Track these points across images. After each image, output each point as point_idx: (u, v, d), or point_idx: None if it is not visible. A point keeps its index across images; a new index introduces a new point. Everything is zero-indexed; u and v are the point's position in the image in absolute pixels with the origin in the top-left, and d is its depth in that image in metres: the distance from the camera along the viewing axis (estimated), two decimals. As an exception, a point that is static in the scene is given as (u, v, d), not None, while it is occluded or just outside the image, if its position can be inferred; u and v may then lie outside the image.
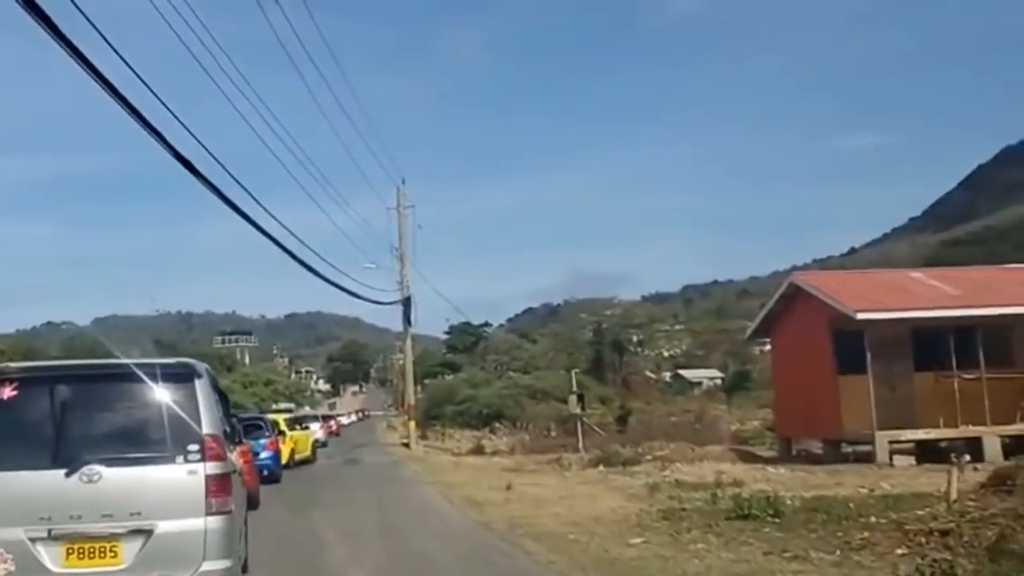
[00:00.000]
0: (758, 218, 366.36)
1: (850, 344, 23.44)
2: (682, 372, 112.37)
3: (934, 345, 23.17)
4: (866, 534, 11.04)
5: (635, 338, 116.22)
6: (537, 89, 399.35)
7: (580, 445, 34.98)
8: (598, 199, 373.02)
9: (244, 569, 8.48)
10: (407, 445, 44.55)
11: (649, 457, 25.08)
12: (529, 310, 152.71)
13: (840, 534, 11.27)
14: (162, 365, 7.42)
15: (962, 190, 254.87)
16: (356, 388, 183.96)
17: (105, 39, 9.14)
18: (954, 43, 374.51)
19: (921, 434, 22.26)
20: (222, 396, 8.60)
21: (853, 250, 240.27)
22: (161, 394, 7.15)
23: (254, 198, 15.79)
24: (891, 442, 21.96)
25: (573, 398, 37.78)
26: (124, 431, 7.22)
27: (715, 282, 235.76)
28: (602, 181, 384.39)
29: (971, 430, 22.07)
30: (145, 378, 7.17)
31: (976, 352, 22.24)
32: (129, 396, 7.25)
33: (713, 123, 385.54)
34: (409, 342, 47.83)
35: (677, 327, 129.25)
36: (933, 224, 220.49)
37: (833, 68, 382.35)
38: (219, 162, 13.49)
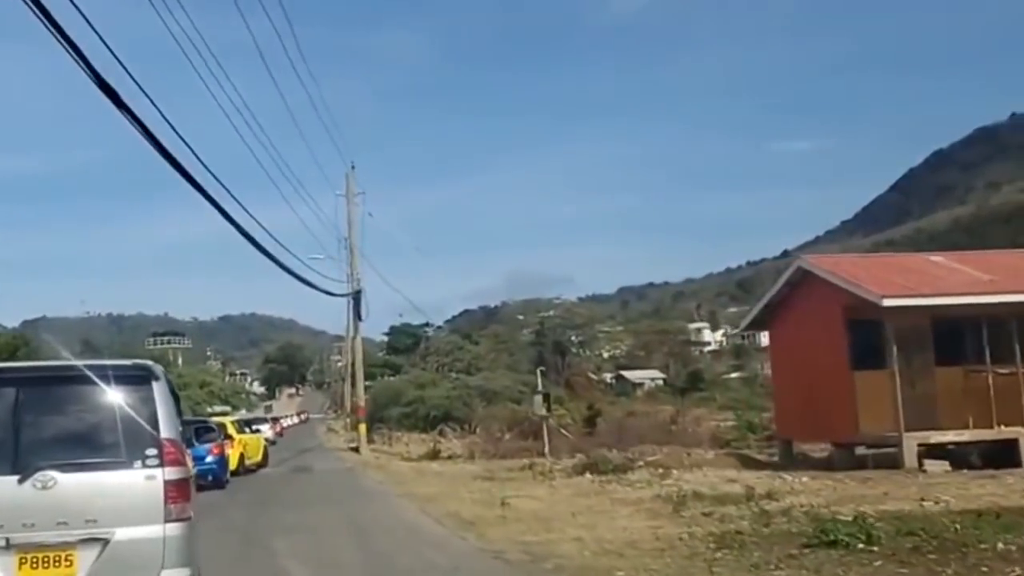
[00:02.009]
0: (693, 220, 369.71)
1: (866, 335, 21.12)
2: (624, 373, 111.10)
3: (958, 336, 20.94)
4: (1016, 571, 8.49)
5: (576, 339, 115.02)
6: (473, 90, 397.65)
7: (546, 449, 32.42)
8: (534, 201, 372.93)
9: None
10: (356, 450, 41.53)
11: (640, 463, 22.43)
12: (467, 312, 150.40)
13: (974, 567, 8.71)
14: (118, 367, 7.10)
15: (893, 193, 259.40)
16: (292, 391, 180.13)
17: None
18: (886, 50, 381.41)
19: (952, 436, 19.90)
20: (176, 398, 7.83)
21: (786, 252, 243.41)
22: (117, 397, 6.85)
23: (226, 189, 14.95)
24: (920, 445, 19.58)
25: (538, 398, 34.96)
26: (79, 435, 6.88)
27: (651, 284, 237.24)
28: (537, 183, 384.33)
29: (1006, 431, 19.80)
30: (101, 381, 6.85)
31: (1011, 344, 20.00)
32: (84, 399, 6.92)
33: (650, 125, 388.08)
34: (359, 339, 44.58)
35: (617, 328, 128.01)
36: (865, 226, 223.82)
37: (769, 73, 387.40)
38: (196, 155, 12.58)
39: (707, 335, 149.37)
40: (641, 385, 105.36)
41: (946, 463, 19.15)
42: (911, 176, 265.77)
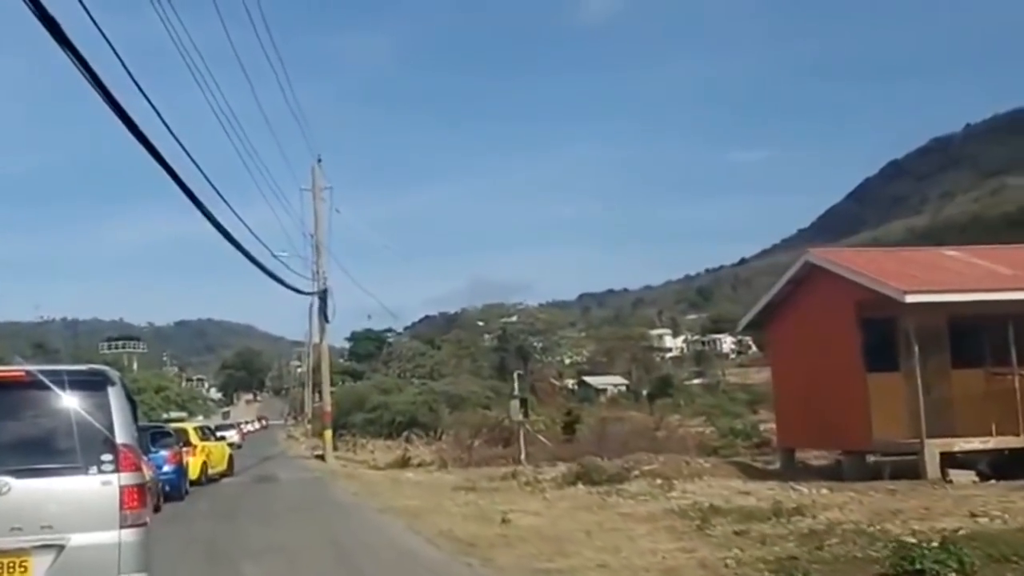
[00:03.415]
0: (652, 228, 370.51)
1: (878, 335, 19.68)
2: (587, 379, 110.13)
3: (977, 336, 19.54)
4: None
5: (538, 345, 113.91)
6: (434, 95, 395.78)
7: (523, 456, 30.79)
8: (494, 207, 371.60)
9: None
10: (322, 458, 39.50)
11: (636, 473, 20.78)
12: (428, 317, 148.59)
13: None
14: (74, 372, 7.01)
15: (849, 202, 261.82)
16: (250, 396, 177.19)
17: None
18: (843, 61, 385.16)
19: (977, 443, 18.44)
20: (132, 404, 7.67)
21: (743, 260, 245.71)
22: (73, 402, 6.77)
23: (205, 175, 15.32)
24: (943, 454, 18.11)
25: (515, 403, 33.30)
26: (33, 441, 6.82)
27: (611, 291, 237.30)
28: (497, 189, 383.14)
29: (1038, 438, 18.39)
30: (55, 386, 6.76)
31: (1034, 344, 18.62)
32: (38, 405, 6.83)
33: (611, 133, 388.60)
34: (325, 341, 42.54)
35: (580, 334, 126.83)
36: (821, 235, 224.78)
37: (728, 83, 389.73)
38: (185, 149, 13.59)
39: (668, 341, 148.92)
40: (604, 391, 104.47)
41: (972, 473, 17.68)
42: (867, 185, 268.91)
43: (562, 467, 25.33)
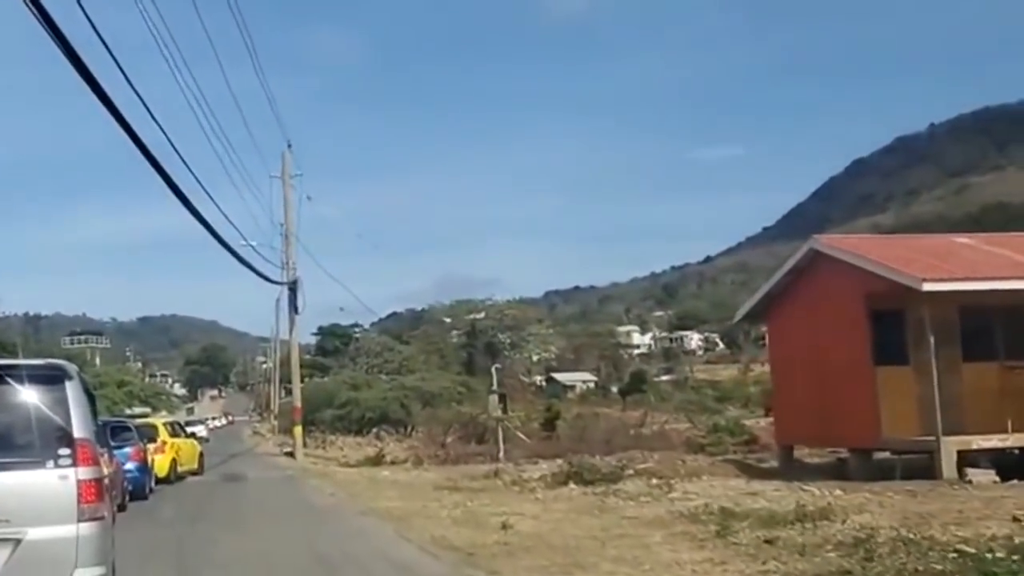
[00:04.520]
0: (618, 225, 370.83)
1: (886, 327, 18.68)
2: (555, 375, 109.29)
3: (989, 328, 18.60)
4: None
5: (507, 341, 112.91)
6: (399, 91, 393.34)
7: (501, 454, 29.65)
8: (459, 203, 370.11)
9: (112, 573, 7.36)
10: (291, 455, 38.06)
11: (631, 471, 19.64)
12: (394, 314, 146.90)
13: None
14: (31, 366, 7.01)
15: (815, 201, 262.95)
16: (215, 392, 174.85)
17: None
18: (809, 59, 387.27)
19: (996, 441, 17.45)
20: (91, 398, 7.77)
21: (709, 258, 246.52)
22: (30, 396, 6.78)
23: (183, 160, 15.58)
24: (960, 452, 17.10)
25: (494, 399, 32.17)
26: None
27: (577, 287, 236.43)
28: (463, 185, 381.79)
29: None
30: (13, 380, 6.78)
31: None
32: None
33: (576, 131, 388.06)
34: (295, 333, 41.03)
35: (549, 330, 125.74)
36: (787, 233, 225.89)
37: (692, 80, 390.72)
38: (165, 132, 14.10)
39: (636, 338, 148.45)
40: (572, 388, 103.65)
41: (993, 472, 16.68)
42: (832, 184, 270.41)
43: (544, 465, 24.26)
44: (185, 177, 17.03)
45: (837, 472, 19.76)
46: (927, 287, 16.82)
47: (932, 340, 17.33)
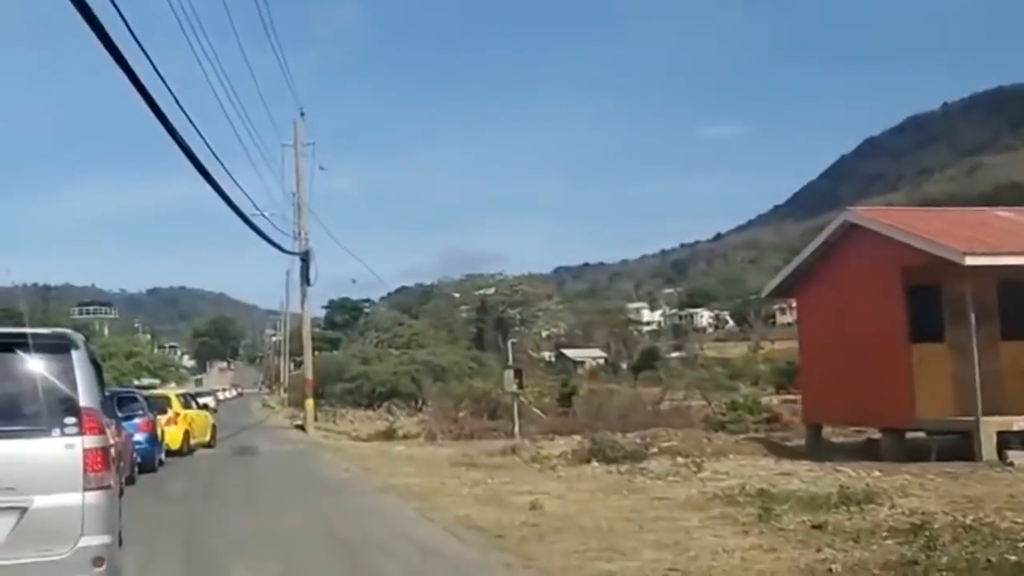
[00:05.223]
0: (628, 202, 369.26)
1: (922, 303, 17.97)
2: (565, 351, 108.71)
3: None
4: None
5: (517, 316, 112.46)
6: (410, 67, 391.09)
7: (516, 429, 29.07)
8: (468, 180, 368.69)
9: (120, 544, 7.38)
10: (302, 428, 37.67)
11: (655, 450, 19.03)
12: (403, 289, 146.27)
13: None
14: (37, 335, 6.88)
15: (825, 180, 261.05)
16: (224, 365, 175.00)
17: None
18: (820, 37, 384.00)
19: (1039, 422, 16.73)
20: (97, 368, 7.79)
21: (719, 235, 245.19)
22: (36, 365, 6.75)
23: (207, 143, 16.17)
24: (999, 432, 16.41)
25: (509, 374, 31.49)
26: None
27: (586, 264, 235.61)
28: (471, 162, 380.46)
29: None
30: (19, 349, 6.74)
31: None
32: (2, 366, 6.76)
33: (584, 109, 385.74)
34: (308, 305, 40.48)
35: (559, 306, 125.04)
36: (796, 212, 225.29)
37: (703, 57, 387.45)
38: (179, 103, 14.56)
39: (646, 315, 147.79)
40: (582, 364, 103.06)
41: (1030, 454, 15.99)
42: (843, 163, 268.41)
43: (562, 441, 23.70)
44: (199, 146, 16.94)
45: (867, 452, 19.09)
46: (969, 261, 16.09)
47: (972, 316, 16.58)
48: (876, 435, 20.08)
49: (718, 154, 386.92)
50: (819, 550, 8.83)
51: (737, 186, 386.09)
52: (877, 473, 14.94)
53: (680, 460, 17.65)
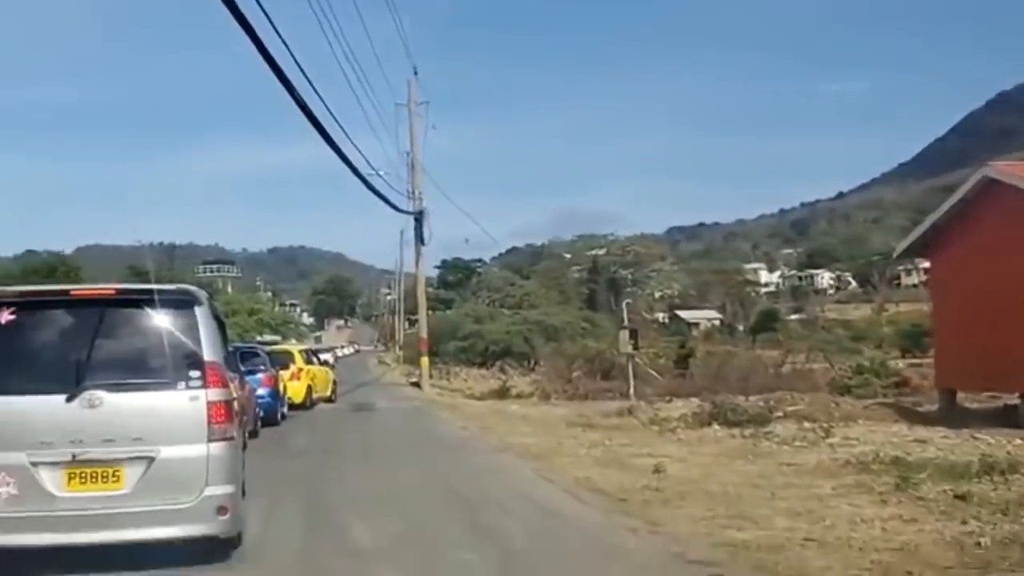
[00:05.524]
0: (745, 161, 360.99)
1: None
2: (679, 313, 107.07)
3: None
4: None
5: (630, 277, 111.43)
6: (521, 25, 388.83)
7: (631, 390, 28.62)
8: (580, 139, 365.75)
9: (243, 494, 7.67)
10: (417, 385, 38.01)
11: (780, 414, 18.38)
12: (514, 249, 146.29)
13: None
14: (163, 291, 7.20)
15: (953, 136, 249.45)
16: (341, 322, 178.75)
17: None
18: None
19: None
20: (220, 324, 8.08)
21: (841, 194, 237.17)
22: (162, 320, 7.03)
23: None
24: None
25: (624, 334, 31.01)
26: (125, 357, 7.05)
27: (701, 224, 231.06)
28: (584, 120, 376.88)
29: None
30: (146, 304, 7.05)
31: None
32: (130, 322, 7.12)
33: (703, 65, 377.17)
34: (422, 264, 40.70)
35: (673, 267, 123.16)
36: (922, 170, 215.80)
37: (824, 11, 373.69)
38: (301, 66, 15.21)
39: (764, 276, 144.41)
40: (696, 325, 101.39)
41: None
42: (972, 119, 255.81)
43: (679, 403, 23.22)
44: (318, 107, 17.29)
45: (1005, 419, 18.08)
46: None
47: None
48: (1013, 401, 19.03)
49: (840, 111, 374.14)
50: (964, 522, 8.26)
51: (860, 144, 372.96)
52: (1019, 441, 14.07)
53: (807, 425, 17.00)
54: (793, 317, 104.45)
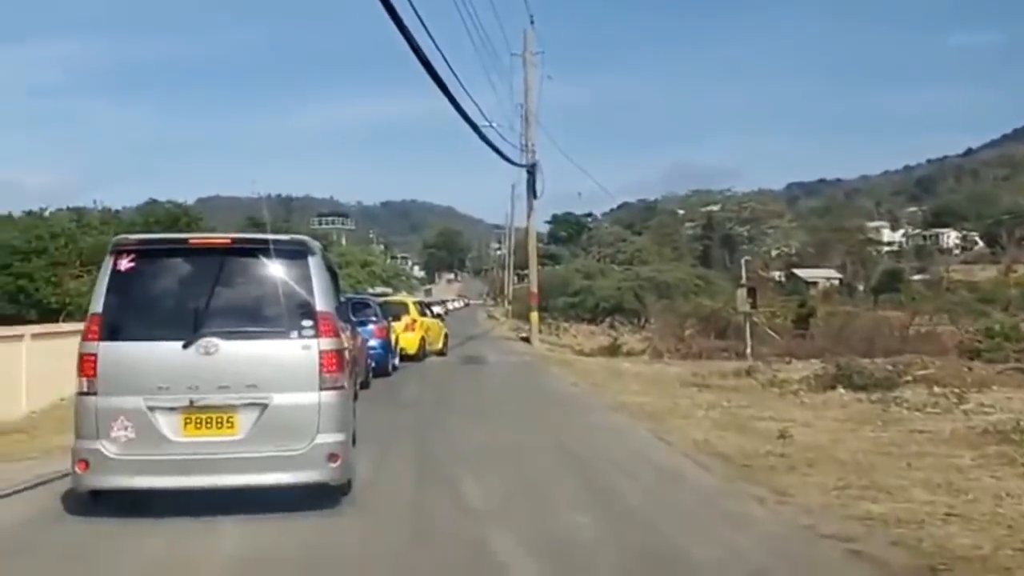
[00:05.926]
0: (869, 116, 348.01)
1: None
2: (796, 271, 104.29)
3: None
4: None
5: (745, 234, 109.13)
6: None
7: (748, 350, 27.83)
8: (697, 91, 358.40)
9: (353, 443, 7.77)
10: (527, 340, 37.90)
11: (908, 378, 17.48)
12: (626, 204, 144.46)
13: None
14: (277, 241, 7.33)
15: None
16: (451, 276, 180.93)
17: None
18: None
19: None
20: (333, 275, 8.20)
21: (970, 151, 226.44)
22: (276, 270, 7.18)
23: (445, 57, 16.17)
24: None
25: (742, 292, 30.16)
26: (240, 305, 7.21)
27: (822, 180, 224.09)
28: (700, 72, 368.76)
29: None
30: (260, 254, 7.19)
31: None
32: (245, 271, 7.27)
33: (824, 18, 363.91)
34: (533, 218, 40.42)
35: (791, 224, 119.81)
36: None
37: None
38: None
39: (886, 235, 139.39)
40: (815, 284, 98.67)
41: None
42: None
43: (799, 365, 22.43)
44: (435, 58, 17.11)
45: None
46: None
47: None
48: None
49: (969, 64, 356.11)
50: None
51: (990, 99, 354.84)
52: None
53: (937, 390, 16.14)
54: (916, 277, 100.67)
